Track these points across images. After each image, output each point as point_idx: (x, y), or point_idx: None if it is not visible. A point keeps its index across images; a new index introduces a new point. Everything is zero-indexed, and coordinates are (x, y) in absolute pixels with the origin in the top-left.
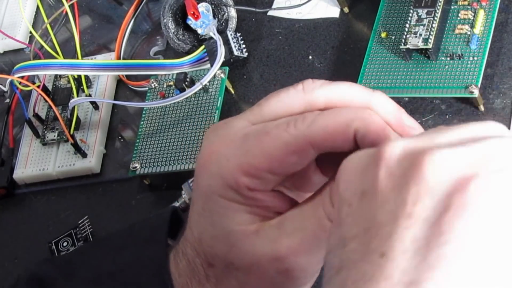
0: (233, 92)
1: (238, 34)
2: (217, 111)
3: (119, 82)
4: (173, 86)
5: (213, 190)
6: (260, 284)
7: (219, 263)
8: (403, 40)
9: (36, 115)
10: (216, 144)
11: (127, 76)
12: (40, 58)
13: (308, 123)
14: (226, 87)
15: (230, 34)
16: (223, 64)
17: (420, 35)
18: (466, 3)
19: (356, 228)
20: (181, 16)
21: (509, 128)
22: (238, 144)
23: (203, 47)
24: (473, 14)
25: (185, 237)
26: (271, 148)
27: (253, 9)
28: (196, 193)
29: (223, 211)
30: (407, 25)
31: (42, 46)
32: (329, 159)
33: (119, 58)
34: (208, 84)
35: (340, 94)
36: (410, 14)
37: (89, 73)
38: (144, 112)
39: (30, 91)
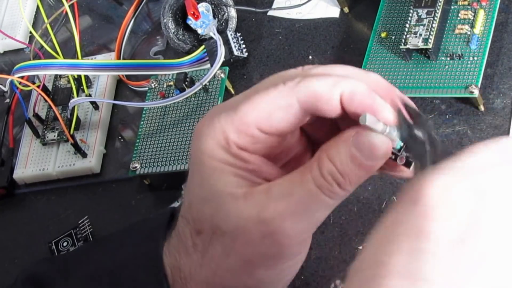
0: (233, 92)
1: (238, 34)
2: None
3: (119, 82)
4: (173, 86)
5: (203, 151)
6: (245, 250)
7: (206, 228)
8: (403, 40)
9: (36, 115)
10: (212, 112)
11: (127, 76)
12: (40, 58)
13: (297, 80)
14: (226, 87)
15: (230, 34)
16: (223, 64)
17: (420, 35)
18: (466, 3)
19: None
20: (181, 16)
21: (509, 128)
22: (231, 106)
23: (203, 47)
24: (473, 14)
25: (180, 213)
26: (259, 102)
27: (253, 9)
28: (190, 159)
29: (211, 171)
30: (407, 25)
31: (42, 46)
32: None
33: (119, 58)
34: (208, 84)
35: (335, 72)
36: (410, 14)
37: (89, 73)
38: (144, 112)
39: (30, 91)
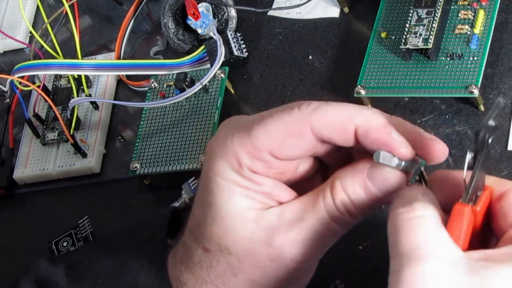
0: (233, 92)
1: (238, 34)
2: (217, 111)
3: (119, 82)
4: (173, 86)
5: (215, 172)
6: (252, 272)
7: (214, 247)
8: (403, 40)
9: (36, 115)
10: (224, 131)
11: (127, 76)
12: (40, 58)
13: (312, 107)
14: (226, 87)
15: (230, 34)
16: (223, 64)
17: (420, 35)
18: (466, 3)
19: None
20: (181, 16)
21: (509, 127)
22: (244, 129)
23: (203, 47)
24: (473, 14)
25: (187, 225)
26: (272, 128)
27: (253, 9)
28: (201, 178)
29: (222, 192)
30: (407, 25)
31: (42, 46)
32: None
33: (119, 58)
34: (208, 84)
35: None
36: (410, 14)
37: (89, 73)
38: (144, 112)
39: (30, 91)
